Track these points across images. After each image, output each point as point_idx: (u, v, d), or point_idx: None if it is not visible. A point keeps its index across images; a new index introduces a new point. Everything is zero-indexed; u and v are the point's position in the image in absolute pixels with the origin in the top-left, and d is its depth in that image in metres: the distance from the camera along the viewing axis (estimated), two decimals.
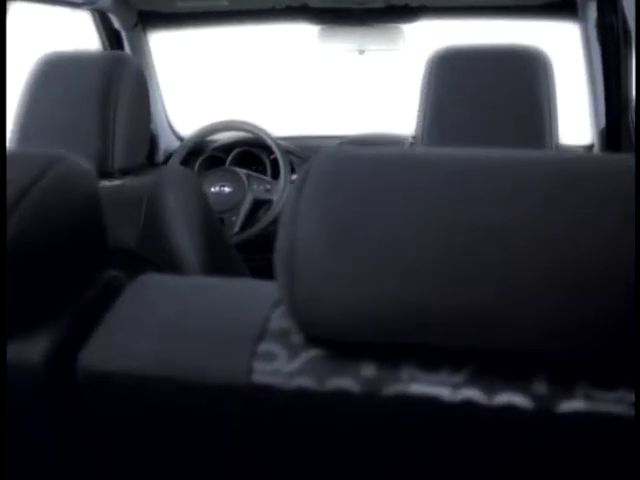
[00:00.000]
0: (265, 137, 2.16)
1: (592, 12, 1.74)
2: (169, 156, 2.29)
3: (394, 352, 0.49)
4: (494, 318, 0.44)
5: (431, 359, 0.48)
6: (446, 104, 1.21)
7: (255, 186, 2.16)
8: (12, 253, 0.49)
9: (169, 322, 0.55)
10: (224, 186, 2.15)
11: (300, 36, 2.33)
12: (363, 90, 2.97)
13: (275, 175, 2.23)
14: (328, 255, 0.46)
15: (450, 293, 0.44)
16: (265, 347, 0.52)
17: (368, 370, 0.49)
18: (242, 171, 2.19)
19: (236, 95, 2.98)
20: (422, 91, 1.25)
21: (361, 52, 2.15)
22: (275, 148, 2.14)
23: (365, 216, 0.46)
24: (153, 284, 0.62)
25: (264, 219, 2.11)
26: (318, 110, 2.95)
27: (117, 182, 1.32)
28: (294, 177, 2.20)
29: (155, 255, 1.34)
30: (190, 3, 1.90)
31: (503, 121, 1.20)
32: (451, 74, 1.22)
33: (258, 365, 0.51)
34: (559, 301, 0.42)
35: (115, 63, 1.31)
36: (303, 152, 2.33)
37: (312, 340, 0.51)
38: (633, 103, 1.77)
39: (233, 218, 2.11)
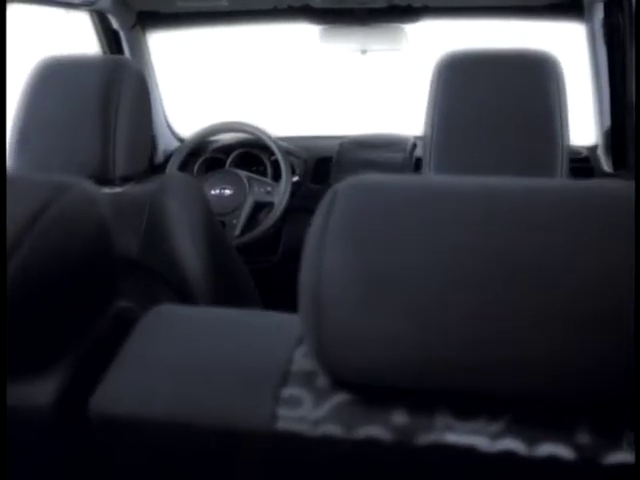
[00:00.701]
0: (266, 138, 2.13)
1: (599, 12, 1.71)
2: (168, 157, 2.26)
3: (427, 398, 0.46)
4: (529, 363, 0.41)
5: (466, 406, 0.45)
6: (455, 108, 1.19)
7: (256, 188, 2.13)
8: (18, 285, 0.46)
9: (186, 361, 0.52)
10: (225, 189, 2.12)
11: (301, 36, 2.31)
12: (364, 90, 2.94)
13: (276, 177, 2.20)
14: (358, 292, 0.43)
15: (483, 337, 0.41)
16: (289, 391, 0.49)
17: (400, 417, 0.46)
18: (243, 173, 2.16)
19: (236, 96, 2.95)
20: (430, 94, 1.22)
21: (363, 52, 2.13)
22: (276, 149, 2.11)
23: (395, 255, 0.43)
24: (168, 317, 0.58)
25: (265, 222, 2.08)
26: (319, 110, 2.92)
27: (118, 189, 1.30)
28: (295, 179, 2.18)
29: (158, 263, 1.32)
30: (190, 3, 1.87)
31: (513, 125, 1.17)
32: (461, 78, 1.20)
33: (282, 411, 0.48)
34: (598, 345, 0.40)
35: (115, 67, 1.28)
36: (303, 153, 2.30)
37: (339, 384, 0.48)
38: None
39: (234, 221, 2.08)
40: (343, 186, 0.47)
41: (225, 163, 2.27)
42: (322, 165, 2.29)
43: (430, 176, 0.90)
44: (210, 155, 2.31)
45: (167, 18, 2.02)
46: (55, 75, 1.27)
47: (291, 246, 2.28)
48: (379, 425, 0.46)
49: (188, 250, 1.35)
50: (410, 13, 1.94)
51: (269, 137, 2.14)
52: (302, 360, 0.50)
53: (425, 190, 0.46)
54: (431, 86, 1.23)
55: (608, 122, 1.86)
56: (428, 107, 1.22)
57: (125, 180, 1.31)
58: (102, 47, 1.98)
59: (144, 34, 2.06)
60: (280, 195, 2.09)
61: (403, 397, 0.46)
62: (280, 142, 2.16)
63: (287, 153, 2.15)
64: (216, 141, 2.33)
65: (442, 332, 0.42)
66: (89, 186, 0.56)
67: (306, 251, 0.47)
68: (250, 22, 2.07)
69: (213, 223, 1.43)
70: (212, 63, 2.98)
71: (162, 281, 1.32)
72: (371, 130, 2.36)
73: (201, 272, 1.37)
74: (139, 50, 2.06)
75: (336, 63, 2.76)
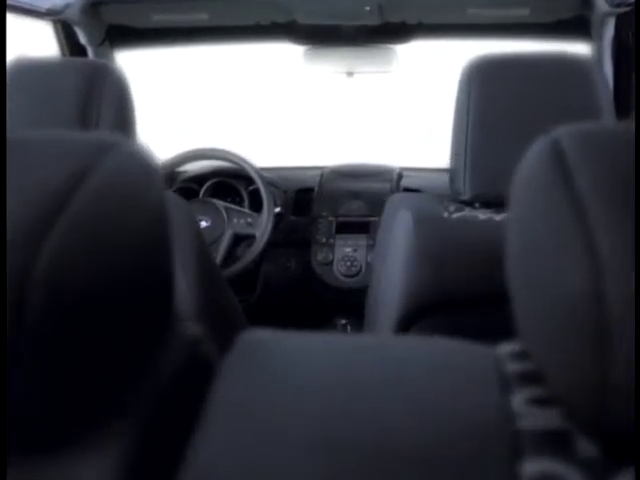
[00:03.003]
0: (246, 166, 1.96)
1: (608, 30, 1.62)
2: None
3: None
4: None
5: None
6: (493, 115, 1.05)
7: (235, 220, 1.95)
8: (46, 297, 0.28)
9: (311, 423, 0.33)
10: (201, 220, 1.94)
11: (280, 58, 2.17)
12: (344, 118, 2.81)
13: (254, 208, 2.03)
14: None
15: None
16: (534, 467, 0.30)
17: None
18: (220, 203, 1.98)
19: (206, 121, 2.78)
20: (460, 101, 1.08)
21: (349, 74, 1.99)
22: (257, 178, 1.94)
23: None
24: (267, 350, 0.39)
25: (247, 256, 1.90)
26: (296, 138, 2.77)
27: None
28: (277, 210, 2.01)
29: None
30: (167, 16, 1.70)
31: None
32: (497, 83, 1.06)
33: None
34: None
35: (95, 72, 1.11)
36: (283, 184, 2.15)
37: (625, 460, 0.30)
38: None
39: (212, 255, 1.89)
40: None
41: (198, 194, 2.09)
42: (303, 196, 2.14)
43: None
44: (181, 185, 2.12)
45: (139, 34, 1.85)
46: (26, 80, 1.09)
47: (270, 283, 2.11)
48: None
49: (179, 283, 1.16)
50: (403, 32, 1.81)
51: (250, 165, 1.97)
52: (533, 412, 0.32)
53: None
54: (461, 93, 1.08)
55: None
56: (459, 115, 1.08)
57: None
58: None
59: (113, 51, 1.88)
60: (262, 227, 1.91)
61: None
62: (261, 171, 2.00)
63: (268, 183, 1.98)
64: (187, 171, 2.15)
65: None
66: (140, 146, 0.39)
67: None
68: (229, 40, 1.92)
69: (205, 251, 1.25)
70: (183, 86, 2.80)
71: None
72: (352, 160, 2.22)
73: (192, 306, 1.18)
74: None
75: (312, 90, 2.63)
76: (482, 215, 1.04)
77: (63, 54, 1.77)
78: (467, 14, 1.59)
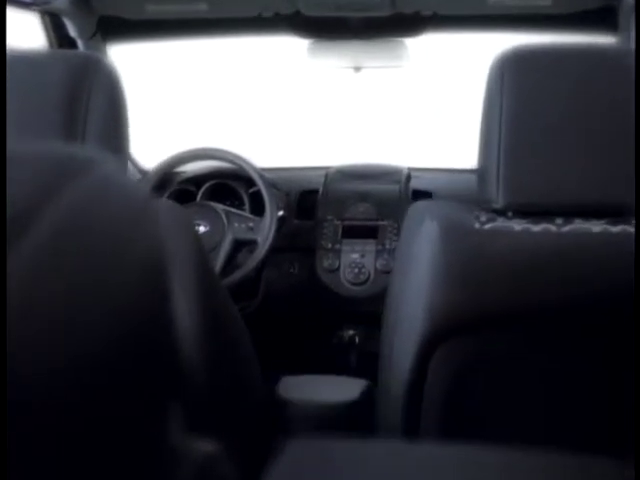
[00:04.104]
0: (247, 167, 1.84)
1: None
2: None
3: None
4: None
5: None
6: (530, 112, 0.94)
7: (236, 224, 1.83)
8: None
9: None
10: (199, 225, 1.82)
11: (278, 53, 2.06)
12: (353, 114, 2.70)
13: (255, 211, 1.91)
14: None
15: None
16: None
17: None
18: (219, 207, 1.86)
19: (204, 120, 2.66)
20: (491, 97, 0.97)
21: (357, 69, 1.88)
22: (259, 180, 1.82)
23: None
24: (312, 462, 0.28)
25: (249, 263, 1.78)
26: (299, 138, 2.66)
27: None
28: (280, 213, 1.89)
29: None
30: (163, 7, 1.59)
31: (603, 133, 0.93)
32: (534, 76, 0.95)
33: None
34: None
35: (84, 66, 1.01)
36: (286, 185, 2.03)
37: None
38: None
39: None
40: None
41: (196, 196, 1.97)
42: (307, 198, 2.02)
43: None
44: (178, 187, 2.01)
45: (133, 26, 1.73)
46: (10, 74, 0.98)
47: (272, 290, 2.00)
48: None
49: (177, 300, 1.05)
50: (415, 24, 1.70)
51: (251, 166, 1.85)
52: None
53: None
54: (491, 88, 0.97)
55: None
56: (489, 113, 0.97)
57: None
58: None
59: (105, 45, 1.76)
60: (264, 232, 1.79)
61: None
62: (262, 172, 1.88)
63: (270, 184, 1.87)
64: (184, 172, 2.03)
65: None
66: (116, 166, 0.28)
67: None
68: (229, 33, 1.80)
69: (205, 262, 1.14)
70: (179, 82, 2.68)
71: None
72: (358, 159, 2.11)
73: (191, 325, 1.07)
74: None
75: (316, 86, 2.51)
76: (517, 226, 0.93)
77: (51, 48, 1.65)
78: (487, 4, 1.48)
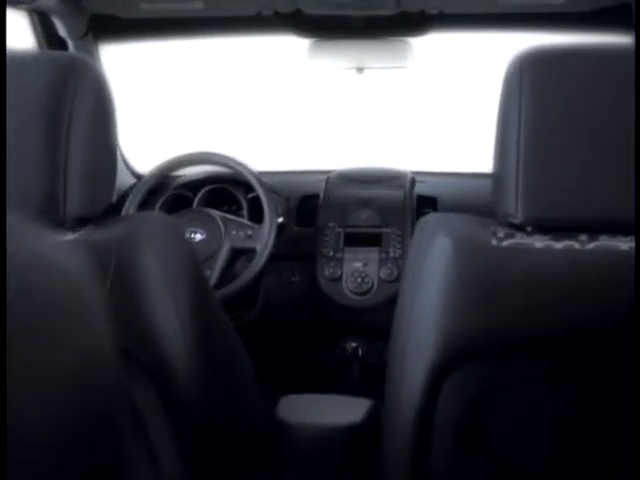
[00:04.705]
0: (245, 171, 1.77)
1: None
2: (123, 196, 1.86)
3: None
4: None
5: None
6: (551, 115, 0.86)
7: (233, 232, 1.76)
8: None
9: None
10: (196, 232, 1.74)
11: (282, 51, 1.99)
12: (356, 117, 2.63)
13: (255, 218, 1.84)
14: None
15: None
16: None
17: None
18: (216, 213, 1.79)
19: (200, 123, 2.59)
20: (509, 99, 0.90)
21: (359, 70, 1.81)
22: (257, 185, 1.75)
23: None
24: None
25: (247, 273, 1.70)
26: (302, 139, 2.59)
27: (71, 236, 0.94)
28: (280, 220, 1.81)
29: (127, 340, 0.94)
30: (157, 5, 1.51)
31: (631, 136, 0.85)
32: (555, 78, 0.87)
33: None
34: None
35: (68, 68, 0.95)
36: (286, 190, 1.96)
37: None
38: None
39: (208, 272, 1.69)
40: None
41: (192, 202, 1.90)
42: (307, 204, 1.95)
43: None
44: (173, 192, 1.93)
45: (126, 26, 1.66)
46: None
47: (272, 299, 1.93)
48: None
49: (167, 318, 0.98)
50: (420, 23, 1.62)
51: (249, 170, 1.77)
52: None
53: None
54: (509, 91, 0.90)
55: None
56: (506, 118, 0.90)
57: (80, 222, 0.95)
58: None
59: (97, 45, 1.69)
60: (263, 240, 1.72)
61: None
62: (260, 177, 1.81)
63: (269, 190, 1.79)
64: (180, 176, 1.96)
65: None
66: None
67: None
68: (227, 32, 1.73)
69: (199, 275, 1.07)
70: (175, 84, 2.61)
71: (134, 363, 0.95)
72: (360, 163, 2.04)
73: (185, 346, 1.01)
74: None
75: (317, 88, 2.44)
76: (538, 243, 0.86)
77: (40, 48, 1.58)
78: (497, 3, 1.41)
